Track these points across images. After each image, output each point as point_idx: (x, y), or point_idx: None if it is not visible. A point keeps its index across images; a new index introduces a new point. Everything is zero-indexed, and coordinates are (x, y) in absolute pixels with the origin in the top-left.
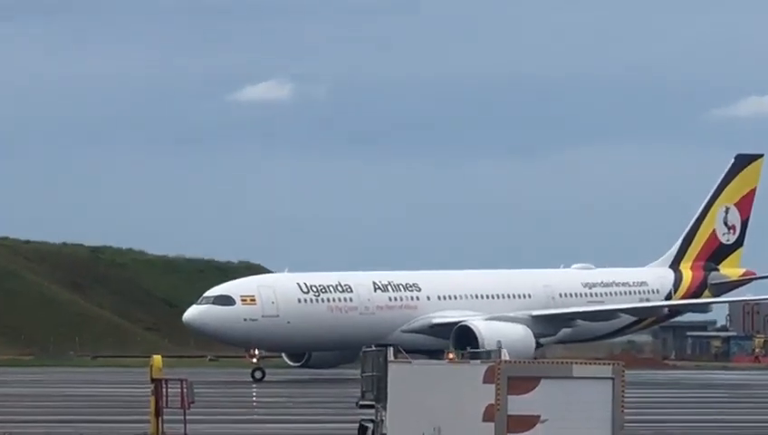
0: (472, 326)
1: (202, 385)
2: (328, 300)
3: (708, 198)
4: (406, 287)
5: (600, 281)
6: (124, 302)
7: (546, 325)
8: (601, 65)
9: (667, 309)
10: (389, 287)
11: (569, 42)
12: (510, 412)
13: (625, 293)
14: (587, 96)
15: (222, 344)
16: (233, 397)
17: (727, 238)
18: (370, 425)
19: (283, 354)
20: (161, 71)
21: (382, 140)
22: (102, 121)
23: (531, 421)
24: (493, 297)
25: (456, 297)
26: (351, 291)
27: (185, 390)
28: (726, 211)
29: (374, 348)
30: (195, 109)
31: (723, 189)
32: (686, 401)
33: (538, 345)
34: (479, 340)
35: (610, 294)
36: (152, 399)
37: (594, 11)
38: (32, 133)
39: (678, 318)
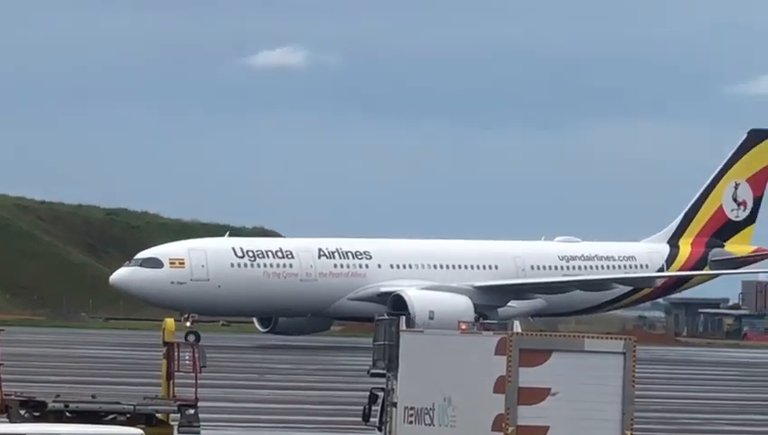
0: (403, 295)
1: (213, 350)
2: (264, 265)
3: (716, 173)
4: (355, 255)
5: (580, 254)
6: None
7: (490, 297)
8: (617, 40)
9: (657, 282)
10: (336, 254)
11: (585, 15)
12: (521, 384)
13: (607, 267)
14: (602, 71)
15: (150, 307)
16: (243, 363)
17: (736, 214)
18: (381, 393)
19: (255, 320)
20: (178, 34)
21: (396, 108)
22: (120, 84)
23: (541, 394)
24: (453, 267)
25: (410, 266)
26: (292, 257)
27: (196, 354)
28: (736, 187)
29: (386, 316)
30: (212, 72)
31: (733, 164)
32: (697, 378)
33: (483, 317)
34: (410, 309)
35: (590, 268)
36: (164, 362)
37: None
38: (50, 94)
39: (691, 295)
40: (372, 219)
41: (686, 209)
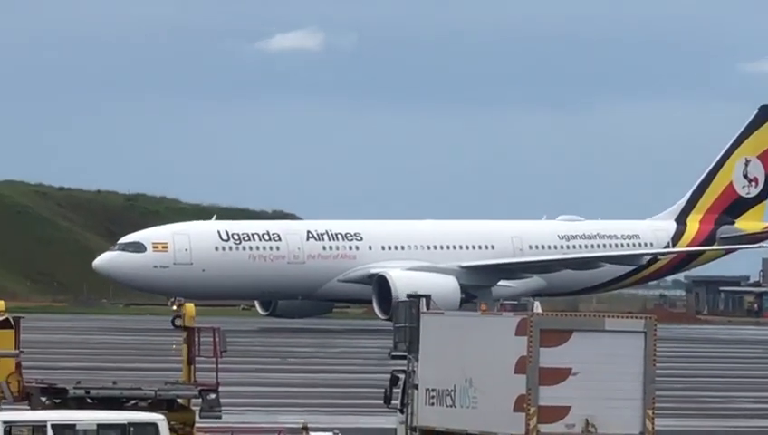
0: (386, 275)
1: (232, 334)
2: (250, 248)
3: (725, 149)
4: (345, 237)
5: (581, 233)
6: None
7: (478, 277)
8: (630, 20)
9: (643, 259)
10: (326, 236)
11: None
12: (542, 365)
13: (609, 245)
14: (611, 50)
15: (134, 290)
16: (264, 346)
17: (747, 191)
18: (402, 375)
19: (256, 303)
20: (193, 19)
21: (410, 91)
22: (137, 70)
23: (562, 374)
24: (447, 247)
25: (402, 247)
26: (280, 239)
27: (217, 338)
28: (747, 163)
29: (407, 299)
30: (227, 57)
31: (743, 141)
32: (718, 356)
33: (470, 297)
34: (392, 290)
35: (592, 246)
36: (184, 347)
37: None
38: (68, 81)
39: (711, 273)
40: (390, 201)
41: (695, 187)
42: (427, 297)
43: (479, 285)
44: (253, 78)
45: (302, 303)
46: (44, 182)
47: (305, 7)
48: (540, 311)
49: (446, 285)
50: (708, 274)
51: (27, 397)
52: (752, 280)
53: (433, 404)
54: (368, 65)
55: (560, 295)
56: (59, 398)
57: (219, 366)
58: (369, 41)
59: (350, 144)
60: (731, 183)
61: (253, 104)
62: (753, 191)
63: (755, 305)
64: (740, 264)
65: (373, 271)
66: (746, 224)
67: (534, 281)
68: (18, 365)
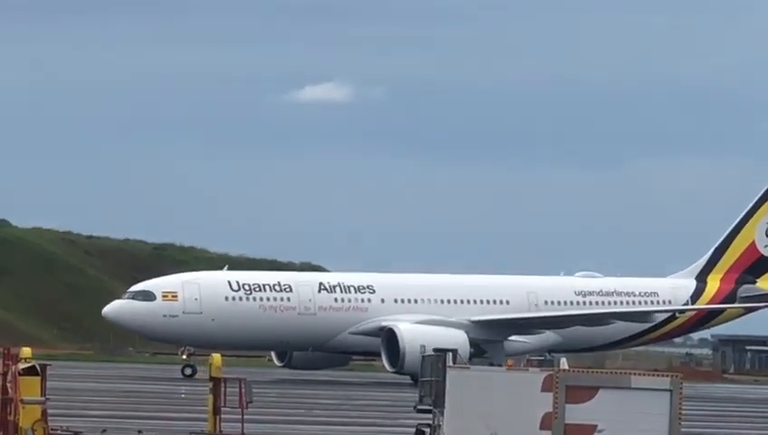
0: (395, 328)
1: (259, 385)
2: (261, 299)
3: (749, 208)
4: (358, 289)
5: (598, 290)
6: None
7: (488, 332)
8: (657, 78)
9: (656, 317)
10: (338, 289)
11: (631, 50)
12: (567, 421)
13: (626, 303)
14: (635, 106)
15: (144, 340)
16: (289, 398)
17: None
18: (428, 429)
19: (272, 354)
20: (225, 69)
21: (438, 144)
22: (169, 120)
23: (588, 431)
24: (461, 302)
25: (415, 301)
26: (291, 291)
27: (243, 389)
28: None
29: (433, 353)
30: (258, 107)
31: (767, 199)
32: (744, 416)
33: (481, 352)
34: (400, 343)
35: (608, 303)
36: (210, 397)
37: (662, 19)
38: (98, 130)
39: (738, 332)
40: (416, 254)
41: (717, 245)
42: (454, 352)
43: (490, 340)
44: (283, 129)
45: (318, 354)
46: (73, 230)
47: (334, 59)
48: (566, 367)
49: (455, 339)
50: (735, 332)
51: None
52: None
53: None
54: (395, 117)
55: (575, 352)
56: None
57: (245, 417)
58: (398, 94)
59: (377, 196)
60: (753, 242)
61: (283, 155)
62: None
63: None
64: (766, 323)
65: (384, 323)
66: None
67: (548, 336)
68: (44, 412)
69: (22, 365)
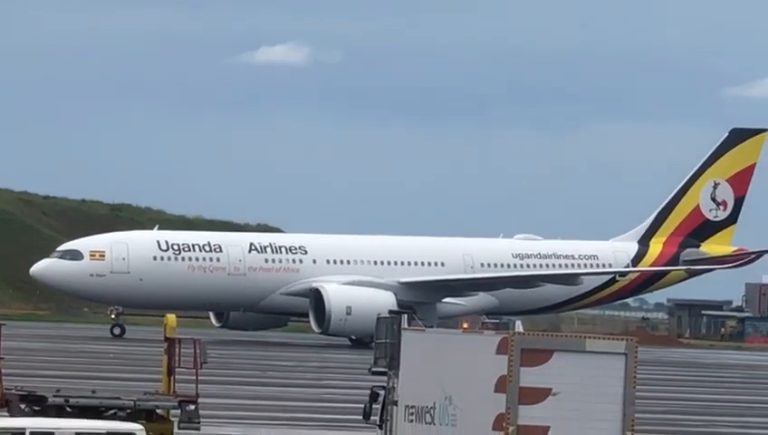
0: (321, 289)
1: (214, 346)
2: (190, 259)
3: (694, 171)
4: (289, 250)
5: (536, 253)
6: None
7: (418, 293)
8: (611, 45)
9: (581, 280)
10: (269, 249)
11: (587, 17)
12: (522, 384)
13: (566, 265)
14: (593, 74)
15: (71, 298)
16: (244, 359)
17: (715, 214)
18: (382, 392)
19: (210, 314)
20: (179, 31)
21: (391, 105)
22: (125, 80)
23: (542, 394)
24: (393, 263)
25: (348, 262)
26: (221, 251)
27: (197, 350)
28: (715, 186)
29: (389, 314)
30: (214, 69)
31: (712, 163)
32: (699, 380)
33: (412, 313)
34: (326, 304)
35: (547, 265)
36: (165, 358)
37: None
38: (54, 90)
39: (694, 296)
40: (372, 216)
41: (660, 208)
42: (409, 313)
43: (420, 302)
44: (237, 90)
45: (255, 315)
46: (29, 190)
47: (291, 21)
48: (521, 330)
49: (382, 301)
50: (690, 298)
51: (6, 404)
52: (734, 305)
53: (412, 421)
54: (352, 79)
55: (513, 314)
56: (38, 406)
57: (199, 377)
58: (354, 56)
59: (333, 158)
60: (698, 206)
61: (239, 117)
62: (722, 215)
63: (723, 330)
64: (723, 288)
65: (315, 284)
66: (712, 247)
67: (484, 298)
68: None
69: None
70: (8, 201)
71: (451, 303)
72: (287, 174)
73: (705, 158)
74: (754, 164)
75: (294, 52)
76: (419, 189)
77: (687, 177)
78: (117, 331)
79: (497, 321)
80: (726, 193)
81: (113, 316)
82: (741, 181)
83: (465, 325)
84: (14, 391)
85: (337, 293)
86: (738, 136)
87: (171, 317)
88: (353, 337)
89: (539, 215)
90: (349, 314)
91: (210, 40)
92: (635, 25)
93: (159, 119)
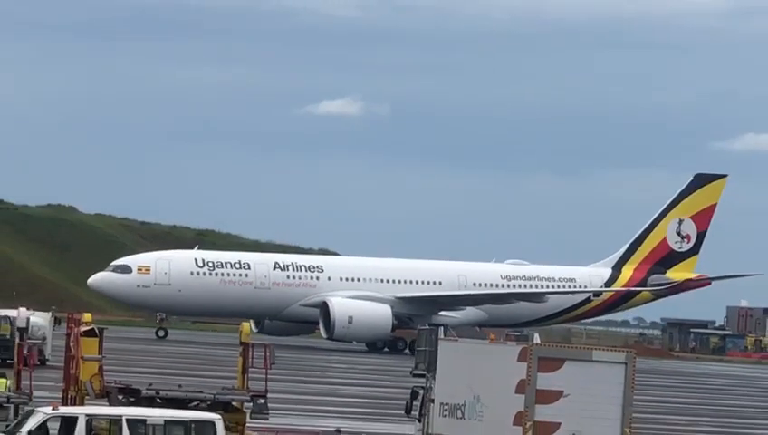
0: (328, 301)
1: (281, 349)
2: (222, 274)
3: (662, 209)
4: (308, 268)
5: (522, 275)
6: None
7: (412, 307)
8: (624, 102)
9: (546, 298)
10: (290, 267)
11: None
12: (538, 387)
13: (547, 286)
14: (594, 129)
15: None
16: (308, 362)
17: (680, 246)
18: (421, 391)
19: (251, 322)
20: (259, 86)
21: (423, 152)
22: (212, 126)
23: (555, 395)
24: (396, 282)
25: (357, 280)
26: (249, 268)
27: (267, 353)
28: (680, 222)
29: (428, 327)
30: (283, 118)
31: (678, 203)
32: (686, 387)
33: (404, 325)
34: (331, 314)
35: (532, 286)
36: (240, 359)
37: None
38: (154, 133)
39: (683, 316)
40: (407, 242)
41: (632, 240)
42: (445, 326)
43: (416, 315)
44: (305, 136)
45: (287, 323)
46: (129, 216)
47: (347, 78)
48: (539, 341)
49: (379, 312)
50: (681, 317)
51: (107, 395)
52: (717, 324)
53: (446, 416)
54: (398, 130)
55: (501, 327)
56: (133, 397)
57: (268, 376)
58: (399, 108)
59: (381, 194)
60: (664, 238)
61: (304, 158)
62: (686, 246)
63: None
64: (708, 310)
65: (328, 298)
66: (677, 274)
67: (473, 312)
68: (101, 368)
69: (83, 328)
70: (111, 225)
71: (446, 316)
72: (342, 207)
73: (672, 198)
74: (715, 204)
75: (350, 105)
76: (439, 221)
77: (656, 214)
78: (161, 333)
79: (518, 334)
80: (690, 228)
81: (158, 321)
82: (703, 218)
83: (492, 337)
84: (113, 385)
85: (341, 304)
86: (701, 180)
87: (246, 326)
88: (364, 343)
89: (528, 243)
90: (350, 322)
91: (282, 94)
92: (627, 89)
93: (239, 159)
